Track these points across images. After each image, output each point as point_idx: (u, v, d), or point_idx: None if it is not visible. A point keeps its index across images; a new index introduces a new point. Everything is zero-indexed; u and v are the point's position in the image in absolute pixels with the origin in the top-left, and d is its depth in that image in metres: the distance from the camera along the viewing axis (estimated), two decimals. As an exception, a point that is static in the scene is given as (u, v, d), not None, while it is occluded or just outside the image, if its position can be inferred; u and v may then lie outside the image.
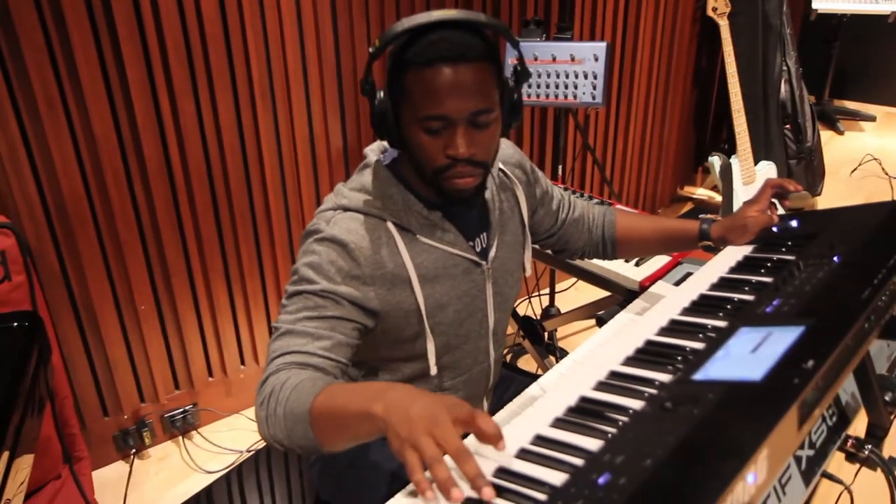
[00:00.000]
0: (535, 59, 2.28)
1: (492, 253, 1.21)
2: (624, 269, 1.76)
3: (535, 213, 1.36)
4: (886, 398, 1.15)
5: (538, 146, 2.89)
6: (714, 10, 3.10)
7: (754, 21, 3.38)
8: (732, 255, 1.32)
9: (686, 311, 1.16)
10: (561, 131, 2.53)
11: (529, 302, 2.88)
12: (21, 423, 1.48)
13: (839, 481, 1.29)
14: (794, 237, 1.31)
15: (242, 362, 2.39)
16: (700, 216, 1.38)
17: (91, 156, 1.87)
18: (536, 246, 1.48)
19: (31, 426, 1.61)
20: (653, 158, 3.45)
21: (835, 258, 1.13)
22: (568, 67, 2.25)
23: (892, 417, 1.17)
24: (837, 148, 4.51)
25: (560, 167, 2.55)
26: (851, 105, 5.05)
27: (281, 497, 1.57)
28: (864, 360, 1.09)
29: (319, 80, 2.19)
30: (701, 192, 3.94)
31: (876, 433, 1.21)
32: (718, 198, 3.72)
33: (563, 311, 2.70)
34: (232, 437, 2.32)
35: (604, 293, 1.88)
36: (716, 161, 3.18)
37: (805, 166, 3.56)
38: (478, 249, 1.20)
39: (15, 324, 1.56)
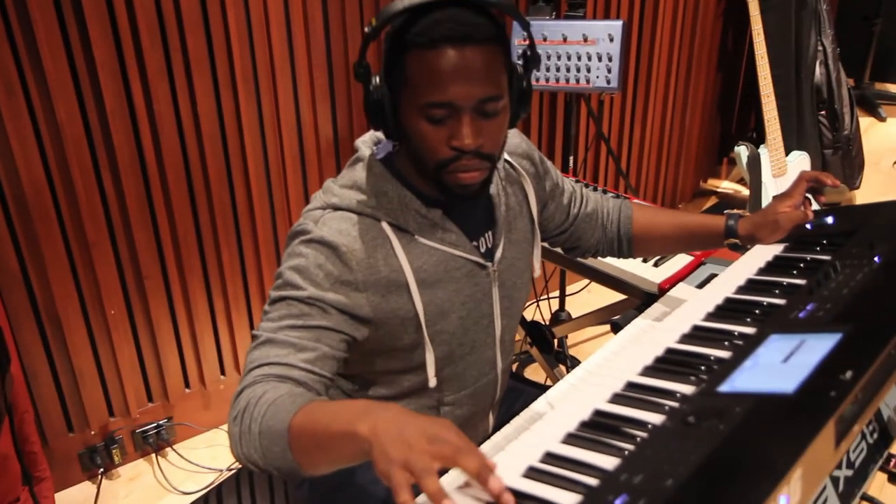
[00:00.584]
0: (545, 39, 2.28)
1: (498, 253, 1.21)
2: (641, 270, 1.76)
3: (544, 209, 1.36)
4: (932, 412, 1.15)
5: (547, 135, 2.89)
6: (742, -16, 3.10)
7: (786, -4, 3.38)
8: (761, 254, 1.32)
9: (710, 317, 1.16)
10: (572, 119, 2.53)
11: (538, 306, 2.88)
12: (-23, 440, 1.48)
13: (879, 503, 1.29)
14: (830, 235, 1.31)
15: (223, 372, 2.40)
16: (726, 211, 1.37)
17: (55, 146, 1.87)
18: (546, 244, 1.48)
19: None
20: (673, 149, 3.45)
21: (875, 258, 1.13)
22: (580, 49, 2.25)
23: (938, 434, 1.17)
24: (878, 136, 4.51)
25: (571, 158, 2.55)
26: (894, 89, 5.04)
27: (265, 521, 1.57)
28: (908, 371, 1.09)
29: (307, 63, 2.19)
30: (726, 186, 3.94)
31: (921, 452, 1.21)
32: (745, 192, 3.72)
33: (574, 315, 2.70)
34: (210, 455, 2.33)
35: (619, 296, 1.88)
36: (742, 151, 3.18)
37: (842, 157, 3.56)
38: (482, 250, 1.19)
39: (-29, 331, 1.56)
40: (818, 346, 0.93)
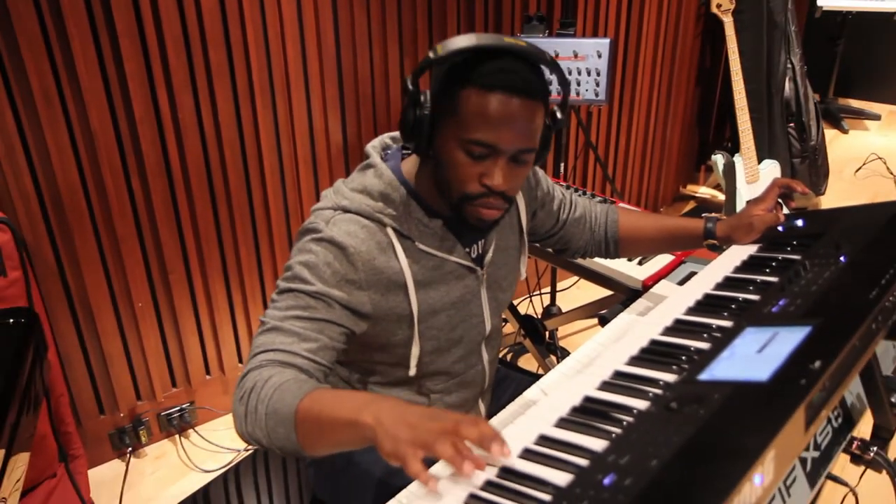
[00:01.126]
0: (538, 55, 2.27)
1: (487, 258, 1.21)
2: (627, 269, 1.76)
3: (534, 216, 1.36)
4: (892, 400, 1.15)
5: (540, 143, 2.88)
6: (718, 6, 3.10)
7: (759, 18, 3.38)
8: (737, 254, 1.32)
9: (691, 311, 1.16)
10: (563, 128, 2.53)
11: (530, 301, 2.88)
12: (17, 421, 1.48)
13: (844, 483, 1.29)
14: (800, 237, 1.31)
15: (240, 360, 2.39)
16: (704, 215, 1.38)
17: (88, 151, 1.86)
18: (538, 244, 1.48)
19: (26, 424, 1.61)
20: (655, 156, 3.45)
21: (841, 258, 1.13)
22: (571, 64, 2.25)
23: (898, 419, 1.17)
24: (842, 147, 4.51)
25: (562, 165, 2.55)
26: (856, 103, 5.05)
27: (278, 496, 1.57)
28: (871, 361, 1.09)
29: (319, 75, 2.19)
30: (704, 191, 3.94)
31: (881, 435, 1.21)
32: (721, 196, 3.72)
33: (564, 310, 2.70)
34: (229, 436, 2.32)
35: (606, 292, 1.88)
36: (719, 159, 3.19)
37: (809, 165, 3.56)
38: (473, 255, 1.20)
39: (11, 320, 1.56)
40: (790, 338, 0.93)
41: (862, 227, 1.24)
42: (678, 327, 1.12)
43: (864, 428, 1.19)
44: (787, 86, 3.50)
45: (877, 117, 4.88)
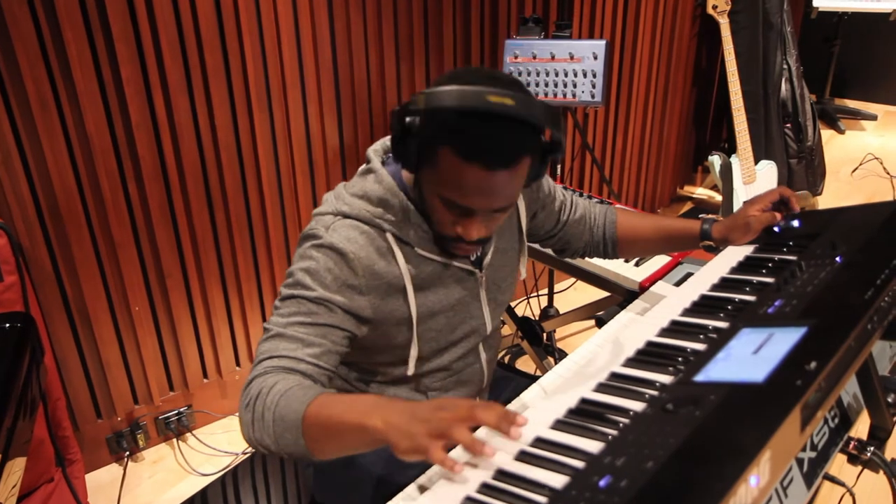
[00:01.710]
0: (534, 57, 2.27)
1: (486, 260, 1.22)
2: (624, 270, 1.76)
3: (535, 217, 1.36)
4: (889, 399, 1.15)
5: (537, 145, 2.88)
6: (714, 7, 3.11)
7: (755, 19, 3.39)
8: (734, 255, 1.32)
9: (687, 312, 1.16)
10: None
11: (528, 302, 2.88)
12: (13, 426, 1.47)
13: (841, 483, 1.29)
14: (796, 237, 1.31)
15: (237, 363, 2.39)
16: (701, 216, 1.38)
17: (84, 155, 1.86)
18: (536, 245, 1.48)
19: (23, 428, 1.60)
20: (652, 158, 3.45)
21: (837, 258, 1.13)
22: (567, 66, 2.25)
23: (894, 419, 1.17)
24: (838, 147, 4.52)
25: (559, 166, 2.55)
26: (852, 104, 5.06)
27: (276, 499, 1.56)
28: (867, 362, 1.09)
29: (316, 80, 2.19)
30: (700, 192, 3.94)
31: (878, 435, 1.20)
32: (718, 197, 3.72)
33: (561, 311, 2.70)
34: (227, 439, 2.32)
35: (603, 293, 1.88)
36: (716, 160, 3.19)
37: (806, 166, 3.56)
38: (472, 258, 1.20)
39: (7, 325, 1.56)
40: (785, 339, 0.93)
41: (858, 228, 1.24)
42: (674, 328, 1.12)
43: (861, 428, 1.19)
44: (784, 86, 3.50)
45: (873, 117, 4.89)
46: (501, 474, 0.83)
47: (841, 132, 4.72)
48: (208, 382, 2.34)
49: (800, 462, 1.01)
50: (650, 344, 1.08)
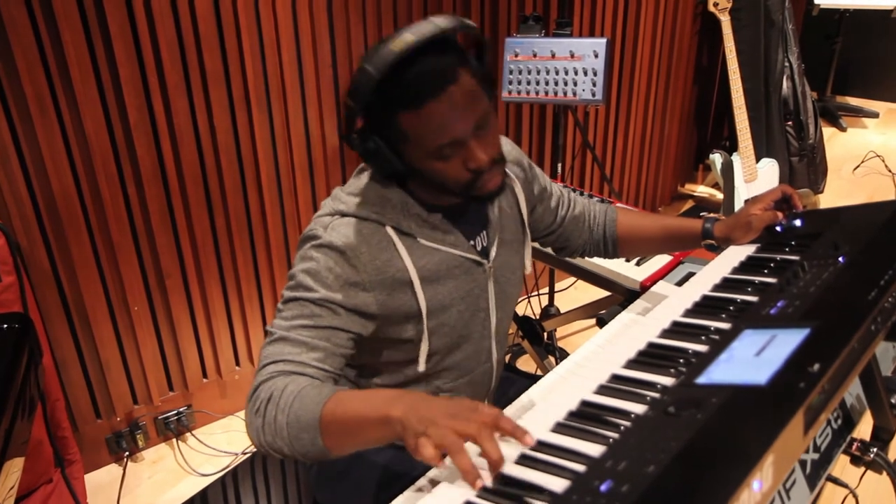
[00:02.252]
0: (534, 55, 2.27)
1: (493, 252, 1.20)
2: (625, 269, 1.75)
3: (533, 211, 1.35)
4: (892, 401, 1.14)
5: (537, 144, 2.88)
6: (715, 5, 3.09)
7: (756, 16, 3.38)
8: (735, 254, 1.31)
9: (688, 313, 1.15)
10: (560, 129, 2.53)
11: (528, 302, 2.87)
12: (11, 426, 1.47)
13: (844, 485, 1.28)
14: (798, 237, 1.30)
15: (237, 363, 2.38)
16: (702, 214, 1.37)
17: (83, 156, 1.85)
18: (536, 244, 1.47)
19: (21, 429, 1.60)
20: (653, 156, 3.44)
21: (840, 259, 1.12)
22: (567, 64, 2.24)
23: (898, 420, 1.16)
24: (840, 145, 4.50)
25: (560, 165, 2.54)
26: (854, 101, 5.05)
27: (277, 500, 1.56)
28: (870, 363, 1.09)
29: (315, 81, 2.18)
30: (702, 190, 3.93)
31: (881, 436, 1.20)
32: (719, 195, 3.71)
33: (562, 310, 2.69)
34: (226, 439, 2.31)
35: (604, 293, 1.88)
36: (717, 158, 3.18)
37: (807, 164, 3.55)
38: (478, 248, 1.19)
39: (5, 326, 1.55)
40: (788, 341, 0.92)
41: (861, 227, 1.23)
42: (676, 329, 1.11)
43: (864, 428, 1.18)
44: (785, 84, 3.49)
45: (875, 115, 4.87)
46: (502, 478, 0.82)
47: (843, 130, 4.71)
48: (208, 382, 2.33)
49: (802, 464, 1.00)
50: (651, 345, 1.07)
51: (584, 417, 0.92)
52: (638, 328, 1.15)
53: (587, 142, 2.81)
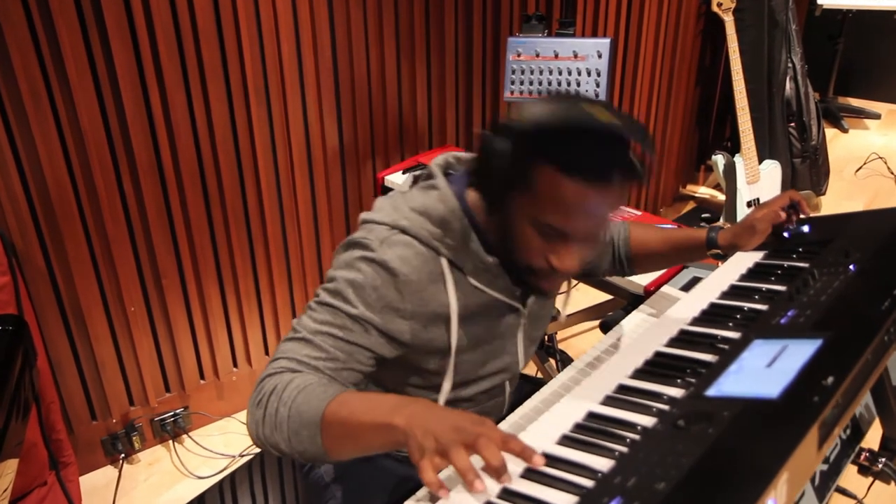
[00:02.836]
0: (537, 55, 2.24)
1: (531, 298, 1.17)
2: (628, 273, 1.73)
3: None
4: (903, 411, 1.13)
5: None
6: (719, 5, 3.07)
7: (760, 17, 3.35)
8: (743, 261, 1.29)
9: (696, 321, 1.13)
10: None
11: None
12: (5, 428, 1.45)
13: (852, 496, 1.27)
14: (806, 243, 1.28)
15: (235, 364, 2.36)
16: (702, 224, 1.35)
17: (78, 151, 1.83)
18: None
19: (15, 430, 1.58)
20: (655, 157, 3.42)
21: (851, 266, 1.10)
22: (571, 64, 2.21)
23: (908, 431, 1.15)
24: (842, 146, 4.48)
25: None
26: (856, 102, 5.03)
27: (275, 505, 1.54)
28: (881, 372, 1.07)
29: (315, 76, 2.15)
30: (703, 191, 3.91)
31: (890, 446, 1.18)
32: (721, 197, 3.69)
33: (563, 313, 2.67)
34: (224, 441, 2.29)
35: (606, 296, 1.85)
36: (719, 160, 3.16)
37: (810, 165, 3.53)
38: (518, 293, 1.14)
39: (-1, 327, 1.53)
40: (800, 352, 0.90)
41: (871, 234, 1.21)
42: (684, 338, 1.09)
43: (871, 437, 1.16)
44: (788, 85, 3.47)
45: (877, 116, 4.85)
46: (506, 493, 0.80)
47: (844, 131, 4.69)
48: (205, 384, 2.31)
49: (812, 476, 0.98)
50: (659, 354, 1.05)
51: (591, 430, 0.90)
52: (645, 336, 1.13)
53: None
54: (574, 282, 2.97)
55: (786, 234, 1.30)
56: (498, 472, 0.77)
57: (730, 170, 3.13)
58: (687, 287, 1.56)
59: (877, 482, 1.17)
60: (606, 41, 2.19)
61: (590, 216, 0.93)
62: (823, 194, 3.66)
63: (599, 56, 2.19)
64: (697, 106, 3.68)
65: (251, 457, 1.69)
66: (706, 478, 0.72)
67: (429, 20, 2.37)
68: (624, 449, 0.83)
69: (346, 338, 0.99)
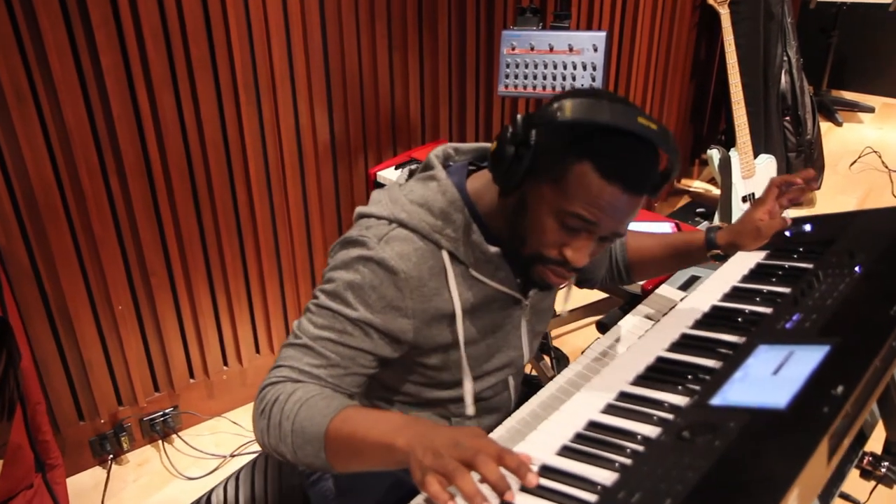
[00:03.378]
0: (532, 48, 2.20)
1: (533, 290, 1.15)
2: (625, 271, 1.70)
3: None
4: (908, 416, 1.11)
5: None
6: (715, -2, 3.04)
7: (755, 10, 3.33)
8: (744, 262, 1.27)
9: (698, 325, 1.10)
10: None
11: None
12: (-12, 433, 1.41)
13: (855, 501, 1.25)
14: (809, 243, 1.25)
15: (225, 363, 2.32)
16: (698, 217, 1.32)
17: (63, 149, 1.78)
18: None
19: (-1, 431, 1.54)
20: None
21: (856, 268, 1.07)
22: (566, 58, 2.17)
23: (912, 435, 1.13)
24: (836, 140, 4.47)
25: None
26: (850, 96, 5.02)
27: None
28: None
29: (306, 70, 2.11)
30: (697, 185, 3.89)
31: (893, 450, 1.16)
32: (715, 191, 3.67)
33: (558, 310, 2.64)
34: (214, 441, 2.26)
35: (601, 294, 1.83)
36: (715, 154, 3.14)
37: (804, 160, 3.52)
38: (519, 284, 1.12)
39: (-20, 329, 1.49)
40: (807, 359, 0.87)
41: (875, 235, 1.19)
42: (686, 343, 1.06)
43: (874, 437, 1.14)
44: (784, 79, 3.45)
45: (871, 110, 4.84)
46: (505, 507, 0.77)
47: (838, 124, 4.68)
48: (195, 383, 2.27)
49: (821, 489, 0.96)
50: (661, 360, 1.02)
51: (593, 440, 0.87)
52: (645, 340, 1.10)
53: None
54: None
55: (787, 233, 1.28)
56: (498, 487, 0.74)
57: (725, 164, 3.11)
58: (685, 286, 1.54)
59: (879, 486, 1.15)
60: (602, 34, 2.15)
61: (617, 218, 0.93)
62: (818, 188, 3.64)
63: (595, 50, 2.16)
64: (692, 99, 3.65)
65: (245, 460, 1.66)
66: (713, 494, 0.69)
67: (421, 13, 2.33)
68: (627, 461, 0.81)
69: (346, 343, 0.97)
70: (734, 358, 0.95)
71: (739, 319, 1.07)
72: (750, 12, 3.33)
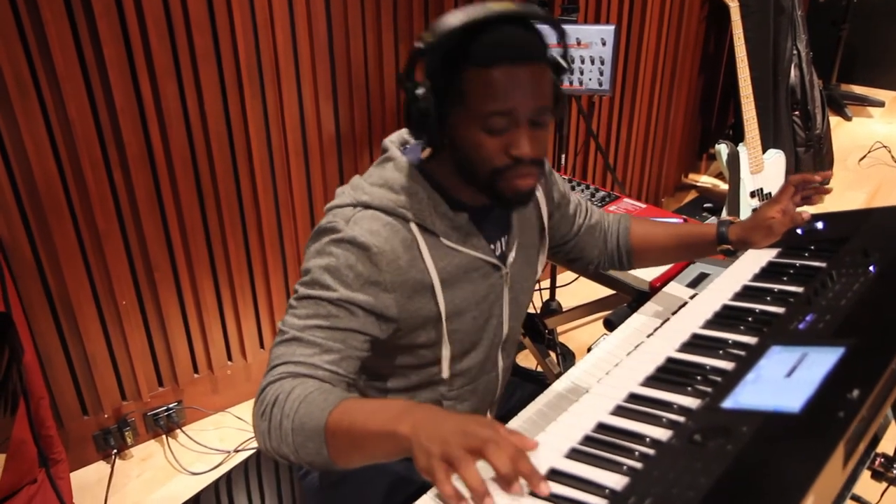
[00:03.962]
0: (540, 41, 2.18)
1: (511, 257, 1.15)
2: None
3: (551, 217, 1.29)
4: (922, 418, 1.09)
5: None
6: (725, -10, 3.01)
7: (765, 3, 3.29)
8: (755, 259, 1.25)
9: (709, 324, 1.08)
10: (564, 119, 2.45)
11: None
12: (-9, 425, 1.41)
13: (865, 503, 1.23)
14: (821, 241, 1.23)
15: (229, 358, 2.32)
16: (705, 212, 1.31)
17: (66, 142, 1.77)
18: (551, 252, 1.40)
19: (1, 427, 1.54)
20: (657, 146, 3.36)
21: (871, 267, 1.05)
22: (574, 52, 2.15)
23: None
24: (845, 134, 4.43)
25: (563, 156, 2.47)
26: (859, 90, 4.97)
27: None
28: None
29: (310, 61, 2.09)
30: (705, 180, 3.86)
31: (906, 452, 1.14)
32: (723, 186, 3.65)
33: (564, 306, 2.63)
34: (218, 436, 2.25)
35: (609, 290, 1.81)
36: (723, 149, 3.11)
37: (813, 154, 3.49)
38: (497, 253, 1.14)
39: (-17, 324, 1.48)
40: (821, 361, 0.86)
41: (889, 233, 1.17)
42: (696, 343, 1.04)
43: (886, 441, 1.13)
44: (793, 73, 3.41)
45: (881, 104, 4.80)
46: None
47: (848, 119, 4.64)
48: (199, 377, 2.26)
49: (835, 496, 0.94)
50: (671, 360, 1.01)
51: (602, 443, 0.86)
52: (654, 339, 1.09)
53: (591, 130, 2.74)
54: (574, 276, 2.93)
55: (799, 231, 1.26)
56: (507, 480, 0.72)
57: (733, 159, 3.08)
58: (694, 283, 1.52)
59: (891, 488, 1.13)
60: (611, 28, 2.13)
61: (524, 90, 0.95)
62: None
63: (604, 44, 2.14)
64: (701, 93, 3.62)
65: (249, 454, 1.65)
66: (727, 499, 0.68)
67: (427, 3, 2.30)
68: (637, 465, 0.79)
69: (334, 325, 0.97)
70: (746, 359, 0.93)
71: (751, 319, 1.06)
72: (759, 5, 3.29)
